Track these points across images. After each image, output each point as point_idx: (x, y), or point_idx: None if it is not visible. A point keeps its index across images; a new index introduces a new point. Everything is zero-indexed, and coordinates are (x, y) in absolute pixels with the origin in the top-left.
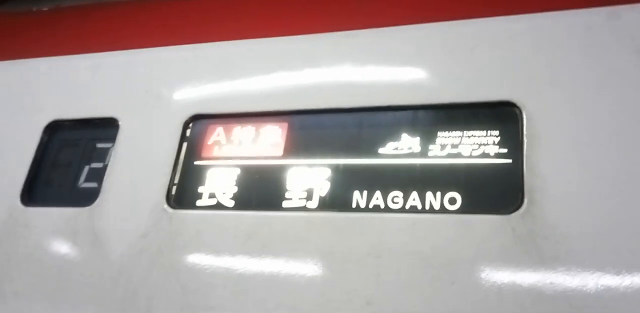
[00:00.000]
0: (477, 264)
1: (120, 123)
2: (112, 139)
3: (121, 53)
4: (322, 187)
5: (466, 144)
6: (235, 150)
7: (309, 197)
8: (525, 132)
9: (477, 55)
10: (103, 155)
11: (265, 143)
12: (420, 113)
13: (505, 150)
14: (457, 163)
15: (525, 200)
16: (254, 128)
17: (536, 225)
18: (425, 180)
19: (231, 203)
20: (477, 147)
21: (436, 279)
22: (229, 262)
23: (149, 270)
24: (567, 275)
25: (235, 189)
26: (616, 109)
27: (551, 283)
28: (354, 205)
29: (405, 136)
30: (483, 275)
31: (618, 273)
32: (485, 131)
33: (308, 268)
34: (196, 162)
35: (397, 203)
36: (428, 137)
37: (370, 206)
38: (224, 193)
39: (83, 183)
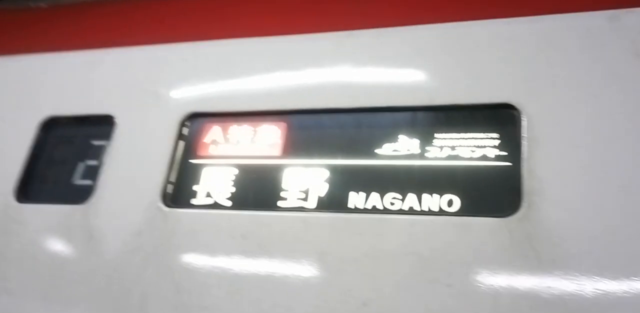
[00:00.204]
0: (474, 267)
1: (116, 120)
2: (108, 136)
3: (119, 50)
4: (320, 188)
5: (465, 146)
6: (232, 149)
7: (306, 198)
8: (524, 135)
9: (477, 57)
10: (99, 153)
11: (263, 142)
12: (420, 114)
13: (504, 153)
14: (455, 166)
15: (524, 203)
16: (251, 127)
17: (534, 229)
18: (424, 182)
19: (227, 203)
20: (476, 149)
21: (433, 281)
22: (225, 262)
23: (143, 268)
24: (565, 278)
25: (231, 188)
26: (616, 112)
27: (548, 287)
28: (351, 206)
29: (403, 137)
30: (480, 278)
31: (616, 277)
32: (484, 133)
33: (304, 269)
34: (192, 161)
35: (395, 204)
36: (427, 139)
37: (368, 207)
38: (220, 192)
39: (78, 181)
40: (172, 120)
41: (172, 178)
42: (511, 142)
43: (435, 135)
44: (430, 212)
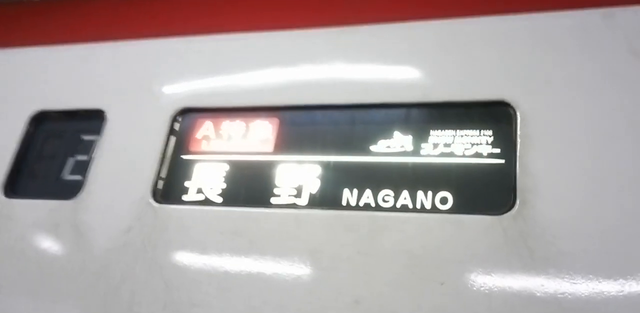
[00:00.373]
0: (467, 265)
1: (107, 115)
2: (98, 131)
3: (110, 44)
4: (312, 184)
5: (459, 143)
6: (224, 145)
7: (299, 194)
8: (518, 132)
9: (472, 54)
10: (88, 148)
11: (255, 138)
12: (414, 111)
13: (498, 150)
14: (449, 163)
15: (518, 201)
16: (244, 123)
17: (528, 226)
18: (417, 179)
19: (219, 199)
20: (470, 146)
21: (425, 279)
22: (215, 259)
23: (132, 265)
24: (558, 276)
25: (223, 185)
26: (611, 109)
27: (542, 285)
28: (344, 203)
29: (397, 134)
30: (473, 275)
31: (609, 275)
32: (478, 130)
33: (296, 266)
34: (184, 156)
35: (388, 202)
36: (421, 136)
37: (361, 204)
38: (211, 188)
39: (67, 176)
40: (164, 115)
41: (163, 174)
42: (505, 140)
43: (430, 132)
44: (423, 210)
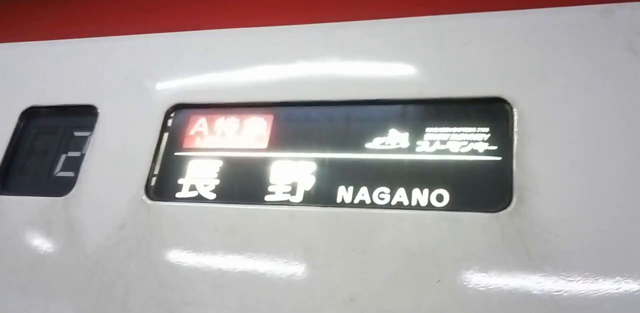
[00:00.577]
0: (463, 262)
1: (99, 111)
2: (90, 127)
3: (103, 39)
4: (307, 181)
5: (455, 140)
6: (218, 141)
7: (293, 191)
8: (515, 129)
9: (469, 50)
10: (81, 144)
11: (249, 135)
12: (410, 108)
13: (494, 147)
14: (445, 160)
15: (514, 199)
16: (237, 119)
17: (525, 224)
18: (413, 176)
19: (212, 196)
20: (466, 143)
21: (422, 276)
22: (209, 256)
23: (125, 263)
24: (555, 274)
25: (216, 182)
26: (608, 106)
27: (538, 282)
28: (339, 200)
29: (393, 131)
30: (469, 273)
31: (606, 273)
32: (475, 127)
33: (290, 264)
34: (177, 153)
35: (384, 199)
36: (417, 133)
37: (356, 201)
38: (205, 185)
39: (59, 172)
40: (157, 111)
41: (156, 171)
42: (502, 137)
43: (425, 129)
44: (419, 207)
